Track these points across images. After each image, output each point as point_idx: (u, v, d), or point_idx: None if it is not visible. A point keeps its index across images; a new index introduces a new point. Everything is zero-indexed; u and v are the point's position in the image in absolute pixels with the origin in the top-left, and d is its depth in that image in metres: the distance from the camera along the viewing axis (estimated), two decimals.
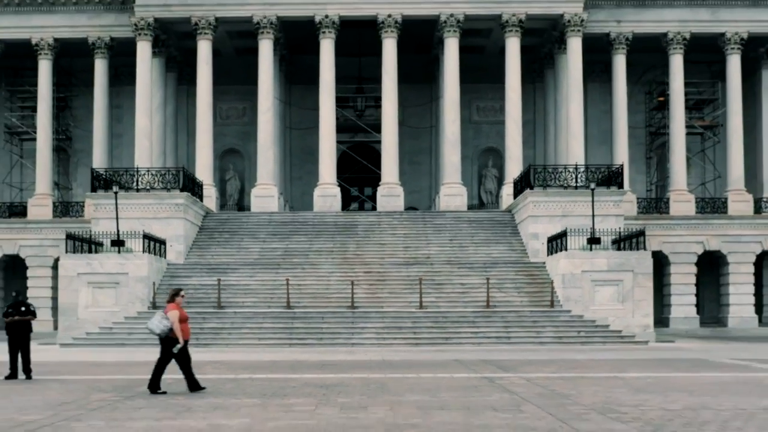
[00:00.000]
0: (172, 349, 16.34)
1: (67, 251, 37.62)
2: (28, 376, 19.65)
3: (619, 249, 38.34)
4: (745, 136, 53.64)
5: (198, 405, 14.20)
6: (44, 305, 50.35)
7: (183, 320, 16.65)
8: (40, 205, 51.23)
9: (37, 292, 50.64)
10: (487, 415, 12.81)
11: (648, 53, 53.27)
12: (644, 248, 37.72)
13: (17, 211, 52.26)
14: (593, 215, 38.60)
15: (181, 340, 16.41)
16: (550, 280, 38.05)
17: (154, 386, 16.29)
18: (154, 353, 29.06)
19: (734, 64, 51.32)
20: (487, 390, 16.39)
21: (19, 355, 19.90)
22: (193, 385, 16.49)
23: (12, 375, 19.75)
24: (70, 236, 37.86)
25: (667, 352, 29.23)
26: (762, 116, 53.88)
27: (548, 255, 39.70)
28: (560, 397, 14.97)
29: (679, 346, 33.63)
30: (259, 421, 12.19)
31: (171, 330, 16.49)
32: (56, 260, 50.36)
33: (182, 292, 17.43)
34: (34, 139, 54.11)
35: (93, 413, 13.17)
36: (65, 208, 52.60)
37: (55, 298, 51.06)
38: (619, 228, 40.05)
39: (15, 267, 52.91)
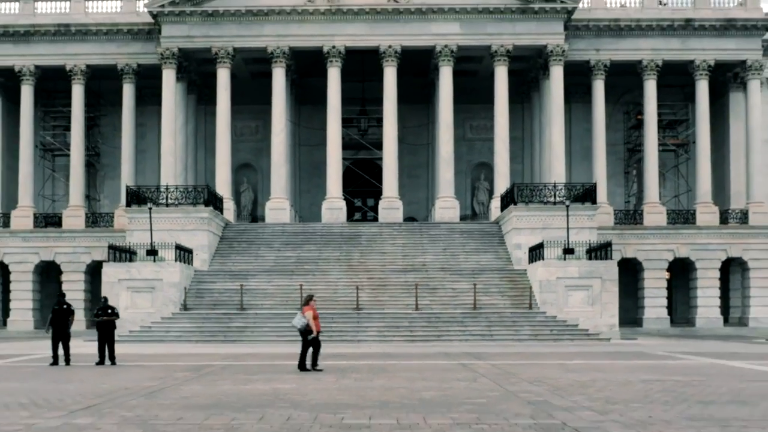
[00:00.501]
0: (308, 337, 22.76)
1: (109, 260, 44.36)
2: (113, 362, 26.33)
3: (590, 258, 44.93)
4: (715, 152, 60.61)
5: (256, 378, 20.87)
6: (78, 306, 57.09)
7: (315, 318, 22.95)
8: (74, 215, 58.03)
9: (71, 294, 56.64)
10: (453, 383, 19.42)
11: (626, 76, 59.99)
12: (611, 258, 44.42)
13: (53, 221, 59.01)
14: (568, 228, 45.33)
15: (314, 332, 22.79)
16: (529, 285, 44.66)
17: (301, 366, 22.79)
18: (191, 347, 35.77)
19: (702, 89, 58.05)
20: (459, 370, 23.04)
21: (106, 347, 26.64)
22: (304, 366, 22.83)
23: (101, 362, 26.43)
24: (111, 247, 44.61)
25: (619, 347, 35.92)
26: (730, 135, 60.61)
27: (529, 263, 46.34)
28: (508, 374, 21.61)
29: (637, 343, 40.31)
30: (302, 386, 18.82)
31: (307, 325, 22.92)
32: (88, 265, 57.54)
33: (315, 297, 23.93)
34: (66, 155, 61.13)
35: (187, 382, 19.82)
36: (95, 218, 59.39)
37: (87, 300, 58.03)
38: (590, 240, 46.71)
39: (49, 271, 59.74)
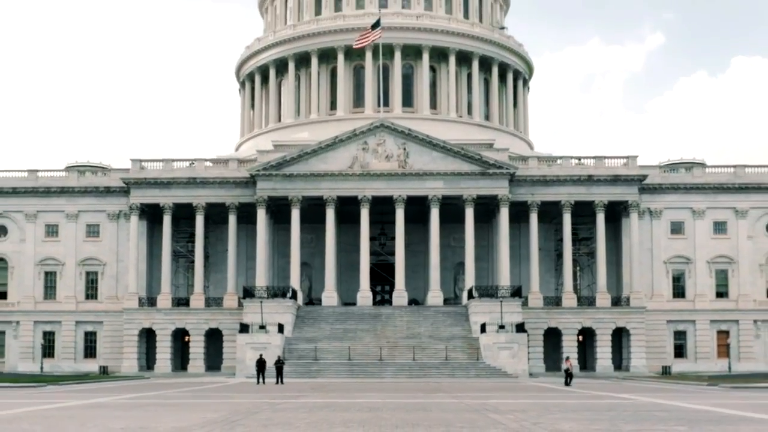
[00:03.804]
0: (566, 370, 63.83)
1: (240, 332, 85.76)
2: (282, 383, 66.94)
3: (515, 332, 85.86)
4: (615, 256, 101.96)
5: (349, 384, 61.77)
6: (199, 357, 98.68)
7: (570, 365, 63.90)
8: (198, 299, 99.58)
9: (195, 348, 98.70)
10: (421, 385, 60.18)
11: (555, 206, 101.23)
12: (525, 332, 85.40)
13: (183, 302, 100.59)
14: (501, 313, 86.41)
15: (570, 369, 63.36)
16: (479, 346, 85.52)
17: (566, 384, 63.31)
18: (295, 379, 77.08)
19: (600, 219, 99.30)
20: (426, 385, 63.89)
21: (276, 377, 67.66)
22: (566, 384, 63.52)
23: (276, 383, 67.24)
24: (241, 324, 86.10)
25: (515, 380, 76.56)
26: (623, 245, 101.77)
27: (480, 333, 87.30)
28: (441, 385, 62.30)
29: (530, 379, 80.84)
30: (363, 384, 59.72)
31: (568, 368, 64.24)
32: (206, 331, 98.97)
33: (568, 358, 65.48)
34: (185, 257, 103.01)
35: (330, 385, 60.77)
36: (208, 301, 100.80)
37: (204, 353, 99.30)
38: (516, 320, 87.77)
39: (178, 335, 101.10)
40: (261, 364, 68.29)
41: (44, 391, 56.47)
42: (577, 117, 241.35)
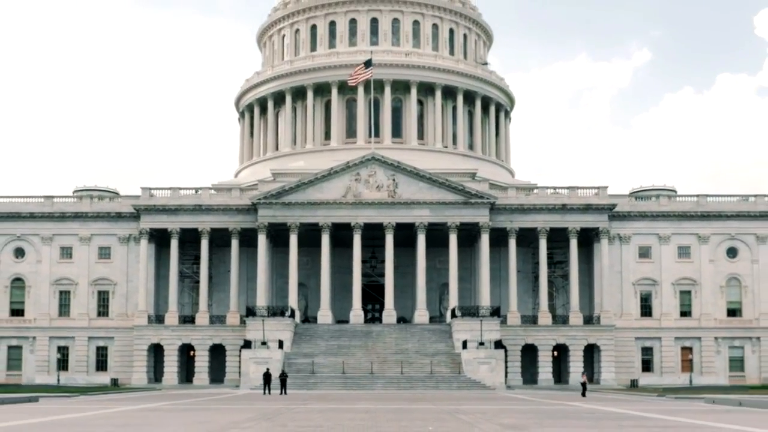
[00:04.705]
0: (582, 383, 73.97)
1: (243, 347, 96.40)
2: (286, 393, 77.48)
3: (493, 348, 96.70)
4: (588, 278, 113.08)
5: (348, 395, 72.47)
6: (204, 371, 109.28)
7: (585, 378, 74.47)
8: (202, 317, 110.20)
9: (200, 362, 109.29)
10: (406, 395, 70.89)
11: (532, 232, 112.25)
12: (502, 348, 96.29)
13: (188, 320, 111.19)
14: (481, 331, 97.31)
15: (585, 382, 73.43)
16: (461, 361, 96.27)
17: (582, 395, 73.22)
18: (294, 390, 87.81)
19: (573, 245, 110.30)
20: (412, 395, 74.59)
21: (280, 387, 78.29)
22: (583, 395, 73.41)
23: (280, 393, 77.77)
24: (245, 340, 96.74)
25: (491, 391, 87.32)
26: (594, 268, 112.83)
27: (462, 349, 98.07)
28: (426, 395, 73.07)
29: (506, 391, 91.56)
30: (357, 395, 70.39)
31: (584, 382, 74.52)
32: (210, 347, 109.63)
33: (584, 373, 76.24)
34: (190, 277, 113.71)
35: (329, 396, 71.48)
36: (212, 318, 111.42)
37: (209, 366, 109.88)
38: (495, 337, 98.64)
39: (184, 350, 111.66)
40: (267, 377, 78.90)
41: (82, 400, 66.92)
42: (565, 133, 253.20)
